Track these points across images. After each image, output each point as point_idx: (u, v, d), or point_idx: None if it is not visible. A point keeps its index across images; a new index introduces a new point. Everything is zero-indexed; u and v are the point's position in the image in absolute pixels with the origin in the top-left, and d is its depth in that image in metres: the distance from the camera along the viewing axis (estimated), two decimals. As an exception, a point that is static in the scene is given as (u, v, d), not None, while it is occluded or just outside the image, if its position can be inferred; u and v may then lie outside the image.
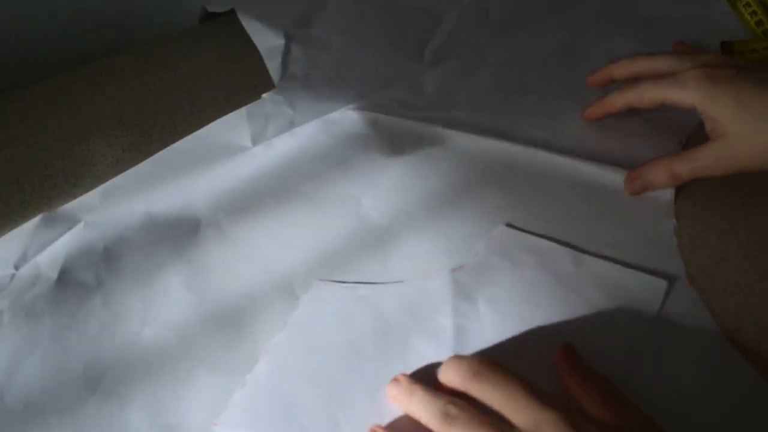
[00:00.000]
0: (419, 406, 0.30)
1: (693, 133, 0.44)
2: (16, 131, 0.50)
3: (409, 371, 0.33)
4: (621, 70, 0.44)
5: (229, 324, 0.37)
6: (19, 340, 0.37)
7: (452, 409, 0.28)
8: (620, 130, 0.45)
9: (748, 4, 0.53)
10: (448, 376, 0.30)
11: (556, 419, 0.26)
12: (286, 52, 0.53)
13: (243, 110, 0.49)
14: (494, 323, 0.35)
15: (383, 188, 0.43)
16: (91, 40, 0.58)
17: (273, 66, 0.52)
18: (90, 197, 0.44)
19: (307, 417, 0.32)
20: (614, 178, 0.42)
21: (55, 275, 0.40)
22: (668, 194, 0.40)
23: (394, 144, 0.46)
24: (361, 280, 0.38)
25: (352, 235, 0.41)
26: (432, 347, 0.34)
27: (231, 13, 0.58)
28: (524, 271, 0.37)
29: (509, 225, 0.40)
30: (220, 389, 0.34)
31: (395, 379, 0.32)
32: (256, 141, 0.47)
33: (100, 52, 0.57)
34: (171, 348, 0.36)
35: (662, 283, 0.36)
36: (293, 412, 0.32)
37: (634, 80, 0.42)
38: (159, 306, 0.38)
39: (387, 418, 0.31)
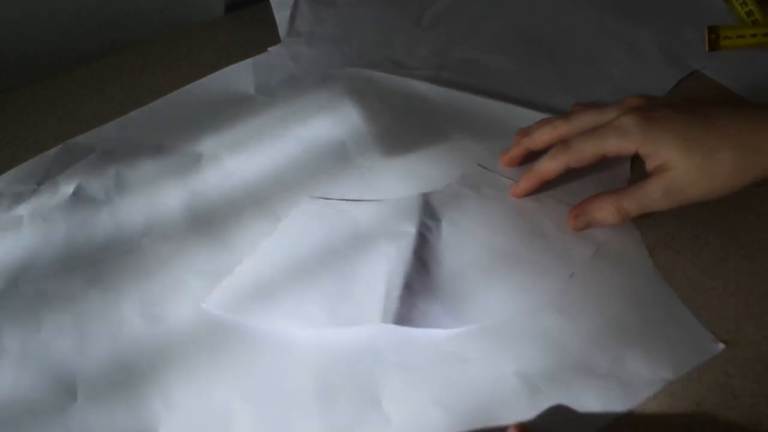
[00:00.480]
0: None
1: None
2: (16, 131, 0.51)
3: (372, 267, 0.38)
4: (540, 139, 0.41)
5: (217, 239, 0.41)
6: (35, 240, 0.42)
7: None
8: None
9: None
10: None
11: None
12: (295, 6, 0.57)
13: (250, 61, 0.54)
14: (453, 240, 0.39)
15: (369, 134, 0.47)
16: (91, 40, 0.58)
17: (281, 19, 0.57)
18: (107, 129, 0.50)
19: (279, 296, 0.37)
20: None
21: (70, 191, 0.45)
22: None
23: (384, 97, 0.50)
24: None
25: (335, 173, 0.45)
26: (395, 248, 0.39)
27: (244, 9, 0.61)
28: (488, 202, 0.41)
29: (481, 166, 0.44)
30: (204, 290, 0.38)
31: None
32: (259, 90, 0.52)
33: (100, 52, 0.58)
34: (165, 255, 0.41)
35: None
36: (268, 293, 0.37)
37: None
38: (158, 220, 0.43)
39: (351, 297, 0.37)
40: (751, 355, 0.34)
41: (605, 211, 0.37)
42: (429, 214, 0.41)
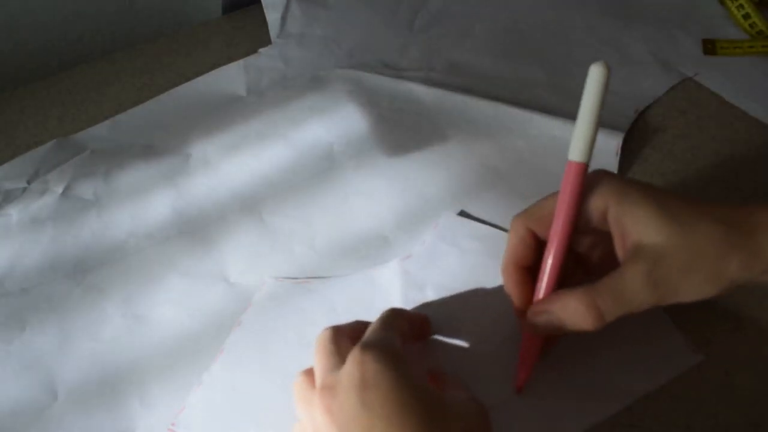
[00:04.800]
0: None
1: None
2: (15, 131, 0.51)
3: None
4: None
5: (201, 239, 0.42)
6: (23, 239, 0.42)
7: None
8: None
9: (735, -2, 0.54)
10: None
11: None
12: (286, 7, 0.58)
13: (241, 62, 0.54)
14: (442, 307, 0.36)
15: (355, 136, 0.47)
16: (91, 41, 0.59)
17: (272, 20, 0.57)
18: (99, 128, 0.50)
19: (262, 410, 0.33)
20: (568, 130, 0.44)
21: (60, 190, 0.45)
22: (614, 142, 0.43)
23: (372, 99, 0.50)
24: (320, 217, 0.42)
25: (320, 174, 0.45)
26: None
27: (242, 10, 0.62)
28: (470, 256, 0.38)
29: (462, 213, 0.41)
30: (186, 291, 0.39)
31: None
32: (250, 91, 0.52)
33: (99, 53, 0.58)
34: (149, 255, 0.41)
35: None
36: (248, 406, 0.33)
37: None
38: (145, 221, 0.43)
39: None
40: (751, 355, 0.33)
41: (571, 310, 0.29)
42: (411, 285, 0.37)
